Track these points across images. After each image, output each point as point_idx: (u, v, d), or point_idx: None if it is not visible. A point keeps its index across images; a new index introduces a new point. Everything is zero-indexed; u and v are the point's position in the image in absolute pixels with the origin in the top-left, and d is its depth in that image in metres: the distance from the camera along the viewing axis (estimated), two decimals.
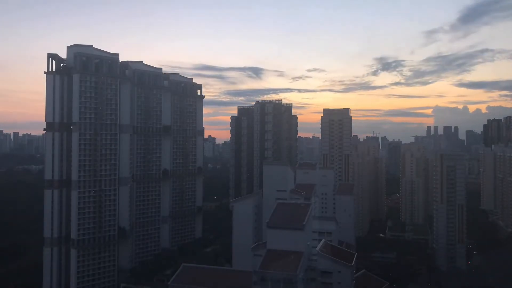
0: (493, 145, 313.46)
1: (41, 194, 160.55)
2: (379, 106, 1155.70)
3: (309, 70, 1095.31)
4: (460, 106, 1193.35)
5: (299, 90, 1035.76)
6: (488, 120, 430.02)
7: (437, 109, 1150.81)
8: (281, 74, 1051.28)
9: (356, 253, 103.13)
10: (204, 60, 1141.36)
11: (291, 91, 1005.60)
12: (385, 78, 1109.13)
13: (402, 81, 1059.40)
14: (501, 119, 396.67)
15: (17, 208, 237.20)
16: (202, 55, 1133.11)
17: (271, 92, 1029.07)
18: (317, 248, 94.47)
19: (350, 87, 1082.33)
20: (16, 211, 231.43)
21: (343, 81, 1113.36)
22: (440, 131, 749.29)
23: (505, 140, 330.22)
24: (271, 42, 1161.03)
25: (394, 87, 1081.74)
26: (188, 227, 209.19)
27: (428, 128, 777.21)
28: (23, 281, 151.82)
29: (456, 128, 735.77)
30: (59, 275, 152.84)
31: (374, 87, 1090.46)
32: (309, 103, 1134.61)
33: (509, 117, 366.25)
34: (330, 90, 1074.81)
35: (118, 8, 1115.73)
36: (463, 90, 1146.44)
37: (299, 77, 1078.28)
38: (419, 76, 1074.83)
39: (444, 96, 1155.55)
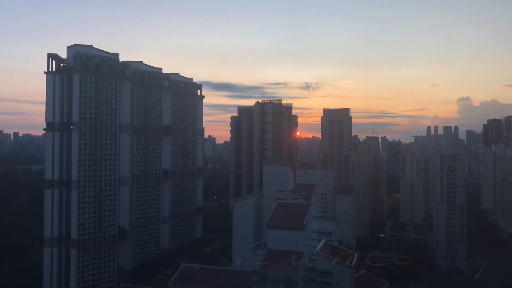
0: (493, 145, 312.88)
1: (41, 194, 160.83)
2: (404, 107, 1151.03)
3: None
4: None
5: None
6: (488, 120, 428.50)
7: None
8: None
9: (356, 253, 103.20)
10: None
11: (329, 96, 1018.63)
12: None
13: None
14: (501, 119, 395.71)
15: (17, 208, 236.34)
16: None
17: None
18: (317, 248, 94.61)
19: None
20: (16, 211, 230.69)
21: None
22: (440, 131, 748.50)
23: (505, 140, 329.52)
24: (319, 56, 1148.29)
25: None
26: (188, 227, 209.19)
27: (428, 128, 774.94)
28: (23, 281, 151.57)
29: (456, 128, 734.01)
30: (59, 275, 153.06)
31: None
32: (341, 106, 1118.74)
33: (509, 117, 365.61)
34: (363, 96, 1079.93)
35: (118, 8, 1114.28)
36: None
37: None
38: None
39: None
